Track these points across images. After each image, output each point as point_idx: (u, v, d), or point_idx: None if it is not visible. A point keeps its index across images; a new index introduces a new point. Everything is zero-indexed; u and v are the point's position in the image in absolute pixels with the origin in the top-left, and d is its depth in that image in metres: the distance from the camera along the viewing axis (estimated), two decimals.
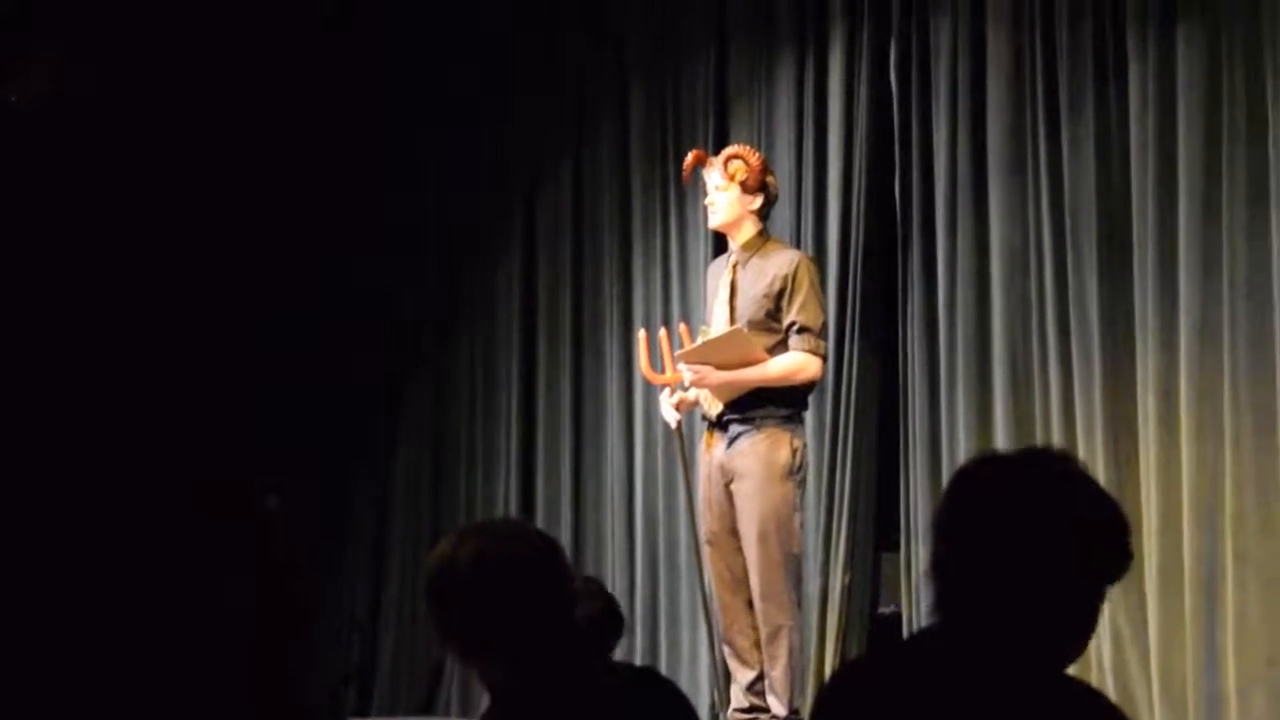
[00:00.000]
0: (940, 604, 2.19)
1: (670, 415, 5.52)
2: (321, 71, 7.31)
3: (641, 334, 5.73)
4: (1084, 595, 2.15)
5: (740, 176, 5.38)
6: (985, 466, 2.26)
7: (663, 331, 5.62)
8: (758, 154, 5.50)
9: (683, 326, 5.63)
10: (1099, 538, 2.15)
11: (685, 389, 5.42)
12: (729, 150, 5.51)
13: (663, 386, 5.55)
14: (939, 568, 2.19)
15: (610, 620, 4.06)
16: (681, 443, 5.64)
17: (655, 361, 5.56)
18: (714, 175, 5.43)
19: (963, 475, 2.25)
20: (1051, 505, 2.14)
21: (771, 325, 5.33)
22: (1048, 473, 2.18)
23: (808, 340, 5.30)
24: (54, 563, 1.05)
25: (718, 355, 5.26)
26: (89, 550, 1.06)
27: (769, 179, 5.47)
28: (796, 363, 5.30)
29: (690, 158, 5.56)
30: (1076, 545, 2.13)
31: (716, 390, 5.31)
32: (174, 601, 1.07)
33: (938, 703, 2.15)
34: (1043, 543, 2.12)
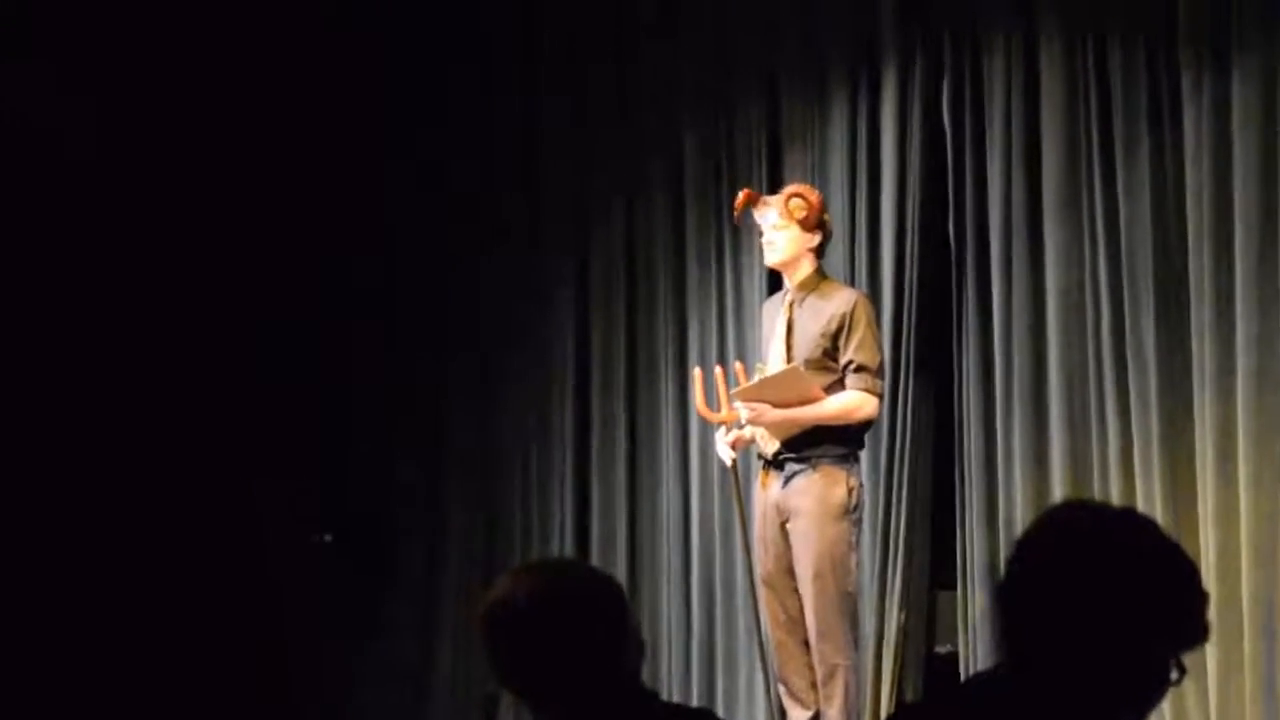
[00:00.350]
0: (1005, 647, 2.17)
1: (725, 454, 5.54)
2: (322, 72, 7.33)
3: (697, 371, 5.76)
4: (1154, 661, 2.12)
5: (800, 214, 5.40)
6: (1076, 512, 2.25)
7: (718, 369, 5.65)
8: (817, 192, 5.54)
9: (738, 365, 5.65)
10: (1178, 606, 2.13)
11: (741, 427, 5.44)
12: (790, 188, 5.54)
13: (718, 425, 5.57)
14: (1008, 610, 2.17)
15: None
16: (737, 481, 5.66)
17: (711, 399, 5.58)
18: (770, 215, 5.45)
19: (1051, 517, 2.22)
20: (1136, 566, 2.11)
21: (828, 364, 5.34)
22: (1138, 532, 2.15)
23: (865, 379, 5.32)
24: (53, 561, 1.07)
25: (775, 393, 5.28)
26: (88, 549, 1.08)
27: (826, 217, 5.51)
28: (854, 401, 5.32)
29: (741, 197, 5.59)
30: (1153, 611, 2.09)
31: (772, 428, 5.33)
32: (173, 601, 1.09)
33: None
34: (1120, 603, 2.09)
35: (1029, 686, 2.13)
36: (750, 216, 5.63)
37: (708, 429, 5.77)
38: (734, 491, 5.71)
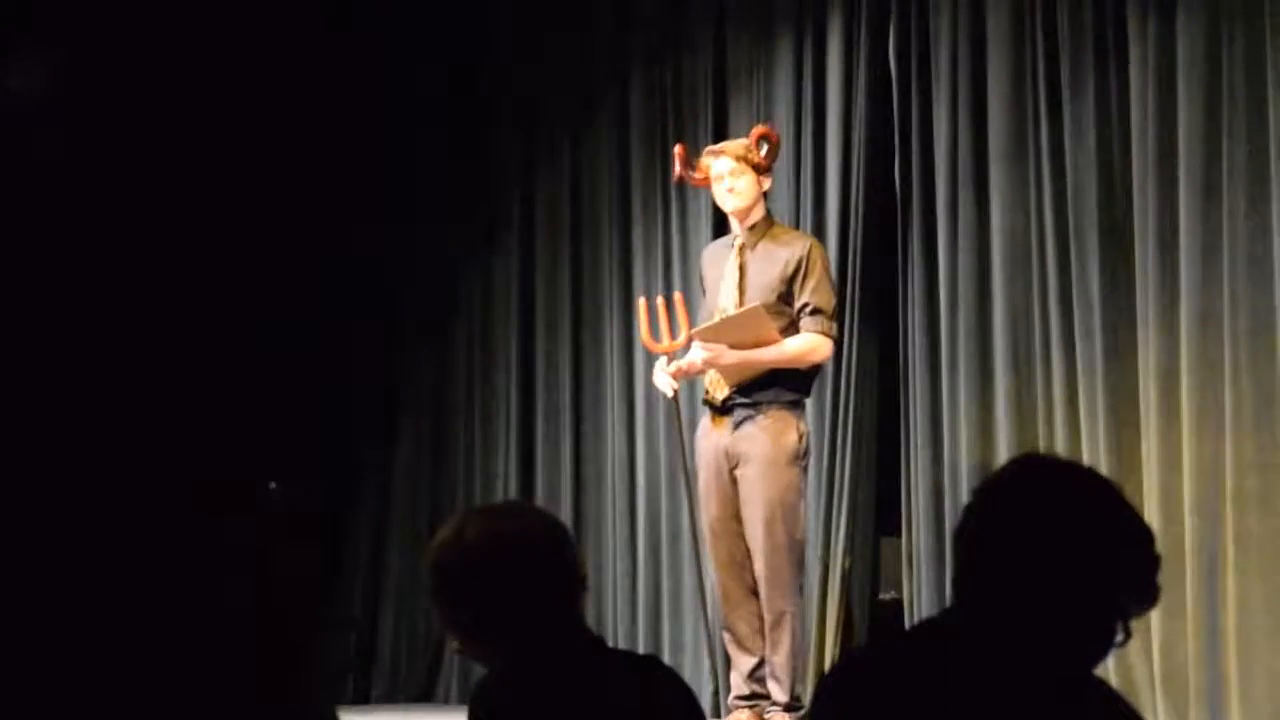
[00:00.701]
0: (956, 591, 2.16)
1: (665, 384, 5.51)
2: (322, 71, 7.27)
3: (641, 302, 5.77)
4: (1103, 620, 2.12)
5: (764, 156, 5.38)
6: (1040, 465, 2.24)
7: (660, 300, 5.66)
8: (777, 133, 5.54)
9: (678, 295, 5.68)
10: (1133, 568, 2.13)
11: (695, 370, 5.40)
12: (757, 130, 5.52)
13: (659, 355, 5.56)
14: (963, 555, 2.16)
15: None
16: (678, 412, 5.64)
17: (656, 332, 5.57)
18: (723, 162, 5.41)
19: (1015, 467, 2.21)
20: (1095, 524, 2.11)
21: (783, 308, 5.33)
22: (1099, 491, 2.15)
23: (820, 322, 5.31)
24: (52, 562, 1.03)
25: (733, 334, 5.26)
26: (87, 549, 1.04)
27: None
28: (810, 343, 5.31)
29: (677, 151, 5.57)
30: (1108, 570, 2.10)
31: (728, 370, 5.30)
32: (173, 601, 1.05)
33: (940, 694, 2.13)
34: (1076, 559, 2.09)
35: (975, 634, 2.12)
36: (685, 175, 5.58)
37: (653, 372, 5.75)
38: (675, 422, 5.70)
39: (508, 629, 2.50)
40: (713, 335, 5.29)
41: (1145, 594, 2.14)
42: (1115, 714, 2.17)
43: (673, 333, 5.53)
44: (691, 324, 5.55)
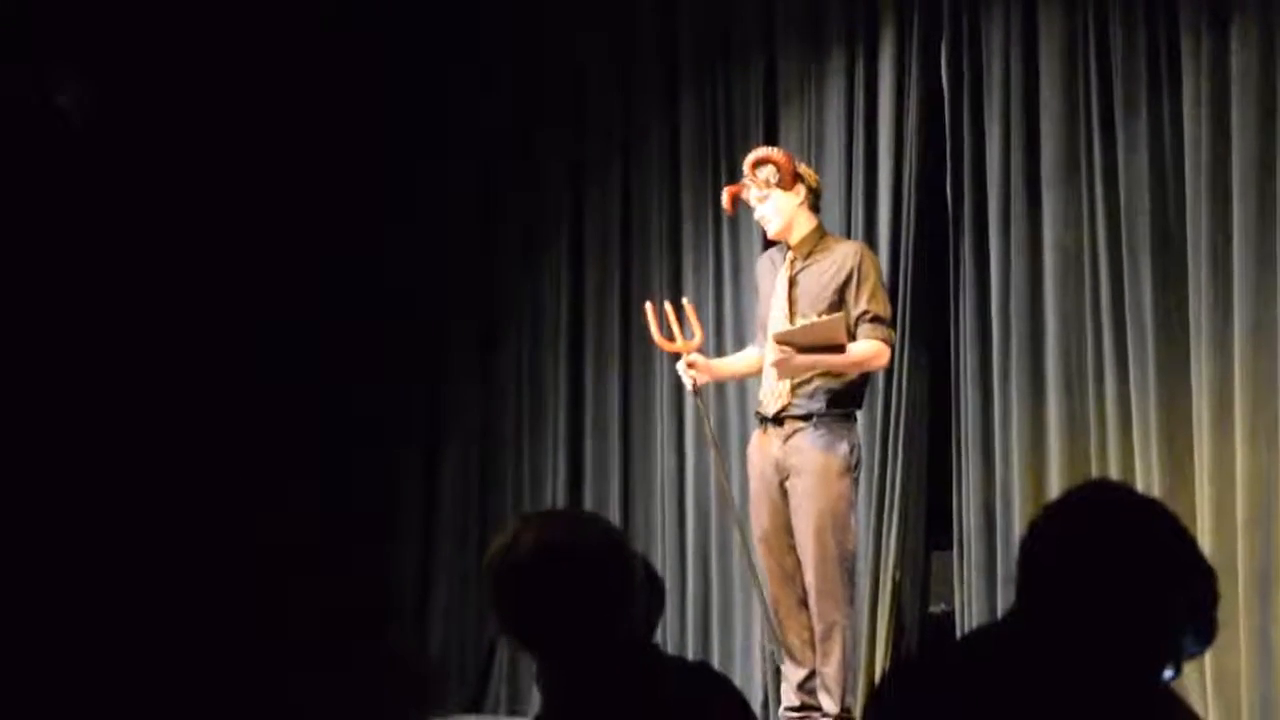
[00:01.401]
0: (1019, 603, 2.18)
1: (687, 379, 5.58)
2: (322, 71, 7.31)
3: (648, 305, 5.82)
4: (1159, 651, 2.15)
5: (773, 178, 5.40)
6: (1110, 489, 2.27)
7: (669, 305, 5.83)
8: (779, 149, 5.56)
9: (686, 302, 5.83)
10: (1194, 601, 2.15)
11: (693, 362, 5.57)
12: (753, 157, 5.52)
13: (674, 354, 5.69)
14: (1027, 568, 2.17)
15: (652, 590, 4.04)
16: (702, 404, 5.79)
17: (665, 330, 5.71)
18: (751, 192, 5.46)
19: (1084, 491, 2.25)
20: (1160, 554, 2.14)
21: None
22: (1166, 522, 2.17)
23: (880, 329, 5.34)
24: (59, 561, 1.06)
25: (807, 339, 5.30)
26: (94, 550, 1.08)
27: (801, 169, 5.51)
28: (873, 349, 5.34)
29: (726, 196, 5.62)
30: (1169, 600, 2.12)
31: (791, 370, 5.32)
32: (179, 602, 1.09)
33: (993, 703, 2.15)
34: (1139, 586, 2.11)
35: (1030, 647, 2.14)
36: (743, 202, 5.65)
37: (702, 391, 5.81)
38: (705, 420, 5.85)
39: (564, 635, 2.52)
40: (788, 338, 5.33)
41: (1204, 630, 2.16)
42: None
43: (685, 334, 5.66)
44: (701, 328, 5.76)
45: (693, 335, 5.66)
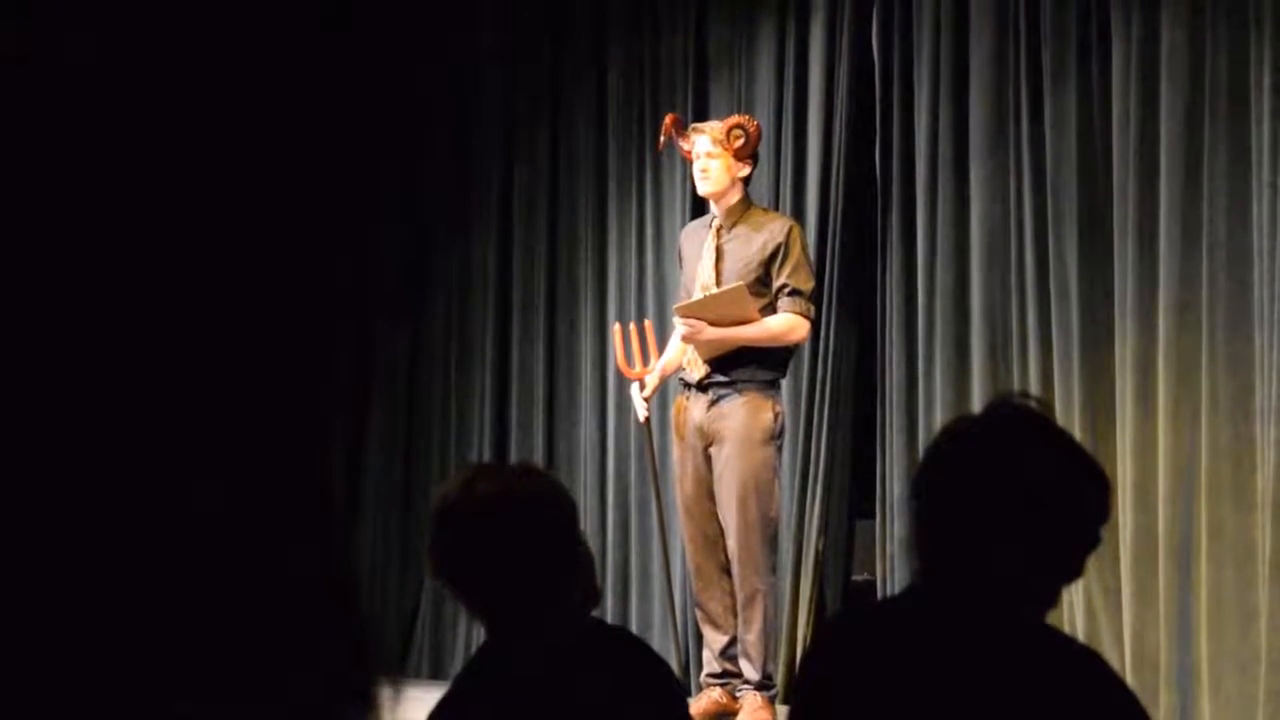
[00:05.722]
0: (920, 561, 2.19)
1: (641, 409, 5.55)
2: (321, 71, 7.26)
3: (616, 328, 5.81)
4: (1062, 551, 2.16)
5: (738, 144, 5.39)
6: (963, 423, 2.27)
7: (633, 326, 5.72)
8: (756, 123, 5.53)
9: (648, 324, 5.75)
10: (1079, 492, 2.16)
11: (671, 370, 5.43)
12: (732, 119, 5.53)
13: (634, 380, 5.58)
14: (919, 528, 2.19)
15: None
16: (650, 438, 5.69)
17: (629, 357, 5.60)
18: (702, 142, 5.42)
19: (943, 434, 2.26)
20: (1031, 460, 2.14)
21: (761, 290, 5.35)
22: (1027, 428, 2.18)
23: (798, 303, 5.34)
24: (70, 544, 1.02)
25: (714, 311, 5.28)
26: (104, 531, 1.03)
27: (758, 150, 5.51)
28: (788, 323, 5.33)
29: (666, 121, 5.58)
30: (1055, 500, 2.13)
31: (704, 346, 5.31)
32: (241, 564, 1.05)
33: (922, 657, 2.15)
34: (1021, 498, 2.12)
35: (943, 592, 2.15)
36: (673, 142, 5.60)
37: (630, 393, 5.78)
38: (647, 447, 5.80)
39: (507, 581, 2.49)
40: (695, 311, 5.31)
41: (1097, 515, 2.18)
42: (1071, 655, 2.20)
43: (644, 359, 5.59)
44: (660, 352, 5.63)
45: (649, 360, 5.62)
